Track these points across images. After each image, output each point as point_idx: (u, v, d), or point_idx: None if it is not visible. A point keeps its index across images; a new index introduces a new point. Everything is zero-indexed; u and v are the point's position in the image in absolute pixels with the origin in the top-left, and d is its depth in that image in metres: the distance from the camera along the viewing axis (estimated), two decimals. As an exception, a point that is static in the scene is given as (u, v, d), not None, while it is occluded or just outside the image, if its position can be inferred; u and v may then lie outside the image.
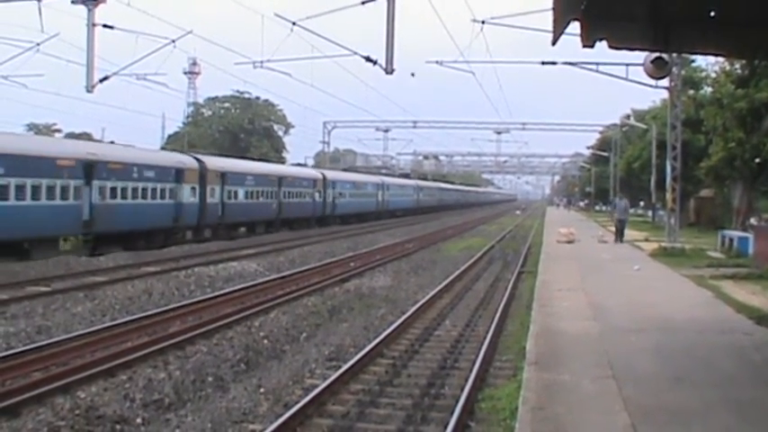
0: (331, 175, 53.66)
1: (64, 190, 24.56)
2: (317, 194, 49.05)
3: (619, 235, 31.73)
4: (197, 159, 34.69)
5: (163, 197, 30.42)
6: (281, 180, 43.20)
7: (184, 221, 32.11)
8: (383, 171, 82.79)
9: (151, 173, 29.76)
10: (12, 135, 27.88)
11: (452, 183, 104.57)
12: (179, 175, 31.68)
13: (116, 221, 27.30)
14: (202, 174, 33.66)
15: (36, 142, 28.64)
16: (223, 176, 35.66)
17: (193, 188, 32.66)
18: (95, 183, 26.28)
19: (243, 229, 39.60)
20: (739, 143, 27.45)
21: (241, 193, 37.77)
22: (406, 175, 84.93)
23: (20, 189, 22.74)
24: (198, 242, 32.38)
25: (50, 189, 23.96)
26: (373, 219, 58.81)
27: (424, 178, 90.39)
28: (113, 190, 27.26)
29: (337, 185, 53.20)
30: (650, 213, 56.96)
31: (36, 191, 23.40)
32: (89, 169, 25.98)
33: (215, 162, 36.72)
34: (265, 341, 12.96)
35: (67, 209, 24.82)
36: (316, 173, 51.71)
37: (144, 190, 29.15)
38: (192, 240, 32.58)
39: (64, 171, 24.64)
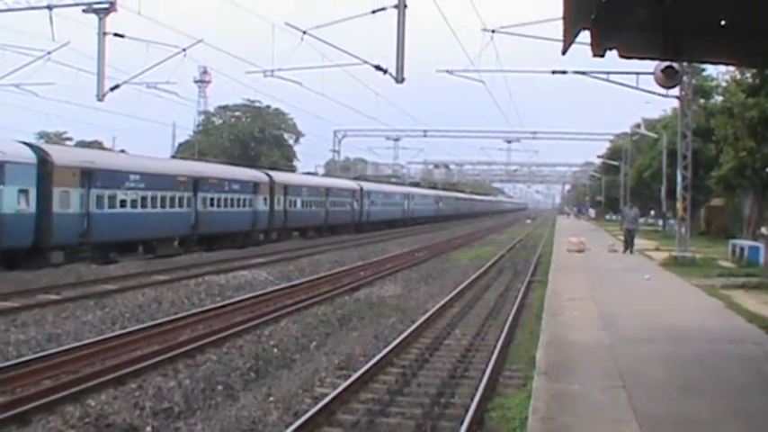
0: (366, 186, 58.53)
1: (181, 200, 30.80)
2: (354, 203, 54.32)
3: (628, 245, 31.25)
4: (267, 174, 40.67)
5: (244, 206, 36.69)
6: (327, 191, 48.87)
7: (259, 226, 38.33)
8: (393, 180, 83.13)
9: (237, 186, 35.95)
10: (149, 158, 33.92)
11: (464, 192, 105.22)
12: (255, 187, 37.80)
13: (212, 225, 33.35)
14: (271, 186, 39.57)
15: (165, 163, 35.17)
16: (286, 188, 41.57)
17: (265, 198, 38.76)
18: (200, 194, 32.27)
19: (296, 233, 43.87)
20: (750, 152, 27.26)
21: (299, 202, 43.75)
22: (417, 184, 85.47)
23: (154, 199, 28.77)
24: (270, 243, 38.30)
25: (172, 199, 30.10)
26: (400, 225, 63.50)
27: (434, 187, 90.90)
28: (212, 200, 33.41)
29: (371, 195, 58.05)
30: (661, 223, 56.69)
31: (164, 201, 29.48)
32: (196, 183, 32.05)
33: (280, 176, 43.14)
34: (275, 350, 12.98)
35: (183, 215, 31.08)
36: (354, 184, 56.60)
37: (232, 200, 35.31)
38: (264, 241, 38.50)
39: (182, 185, 30.94)
